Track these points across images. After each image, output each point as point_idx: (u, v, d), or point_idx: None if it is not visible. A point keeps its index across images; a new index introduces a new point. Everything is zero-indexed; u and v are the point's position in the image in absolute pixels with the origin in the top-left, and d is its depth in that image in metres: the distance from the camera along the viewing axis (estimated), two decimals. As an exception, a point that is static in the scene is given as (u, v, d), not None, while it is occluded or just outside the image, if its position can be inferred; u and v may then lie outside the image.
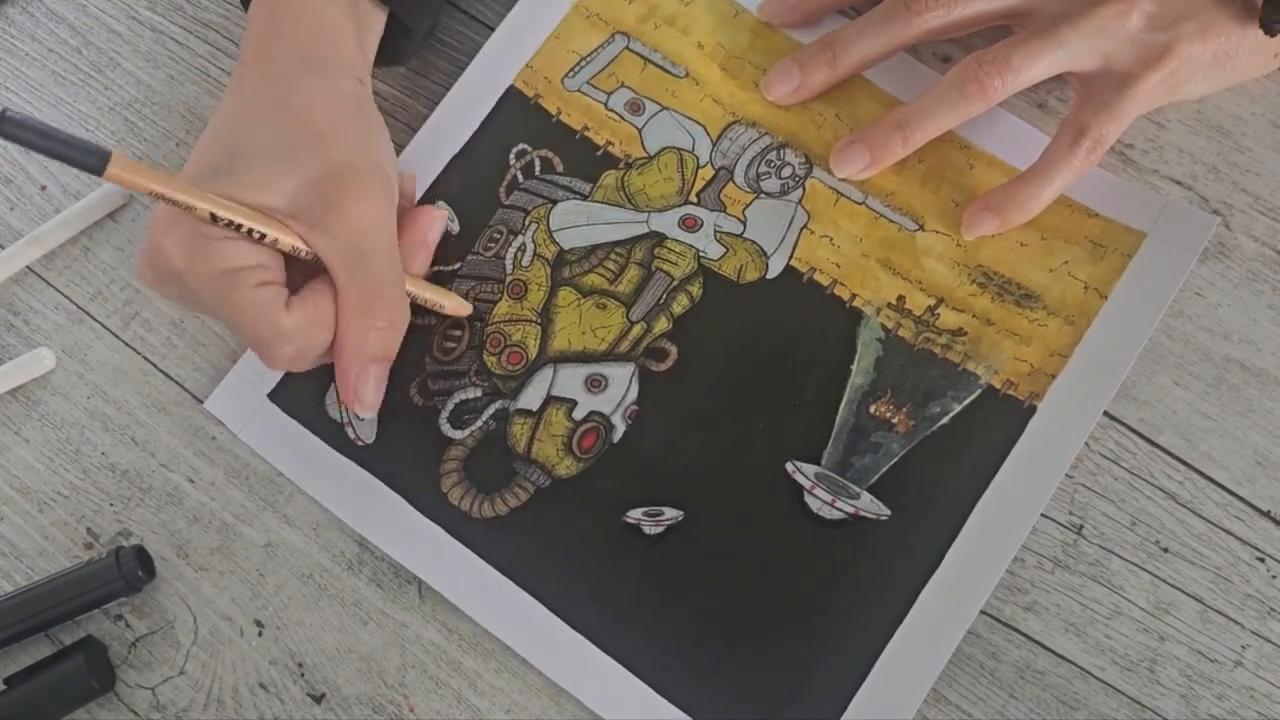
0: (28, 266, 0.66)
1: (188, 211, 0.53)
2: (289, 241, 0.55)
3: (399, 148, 0.65)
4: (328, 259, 0.55)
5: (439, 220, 0.61)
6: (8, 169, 0.68)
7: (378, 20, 0.62)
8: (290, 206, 0.55)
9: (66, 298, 0.65)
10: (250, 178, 0.54)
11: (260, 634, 0.59)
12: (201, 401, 0.63)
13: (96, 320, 0.65)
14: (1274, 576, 0.55)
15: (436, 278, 0.62)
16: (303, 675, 0.59)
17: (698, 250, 0.62)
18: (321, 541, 0.60)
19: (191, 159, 0.57)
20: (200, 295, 0.55)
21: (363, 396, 0.58)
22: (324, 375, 0.61)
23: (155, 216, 0.55)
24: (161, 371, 0.64)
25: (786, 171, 0.62)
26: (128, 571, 0.59)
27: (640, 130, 0.64)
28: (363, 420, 0.61)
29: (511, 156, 0.64)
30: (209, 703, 0.59)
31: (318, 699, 0.58)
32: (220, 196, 0.53)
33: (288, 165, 0.55)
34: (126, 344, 0.64)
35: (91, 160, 0.50)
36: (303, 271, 0.57)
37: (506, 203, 0.63)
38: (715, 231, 0.62)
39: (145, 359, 0.64)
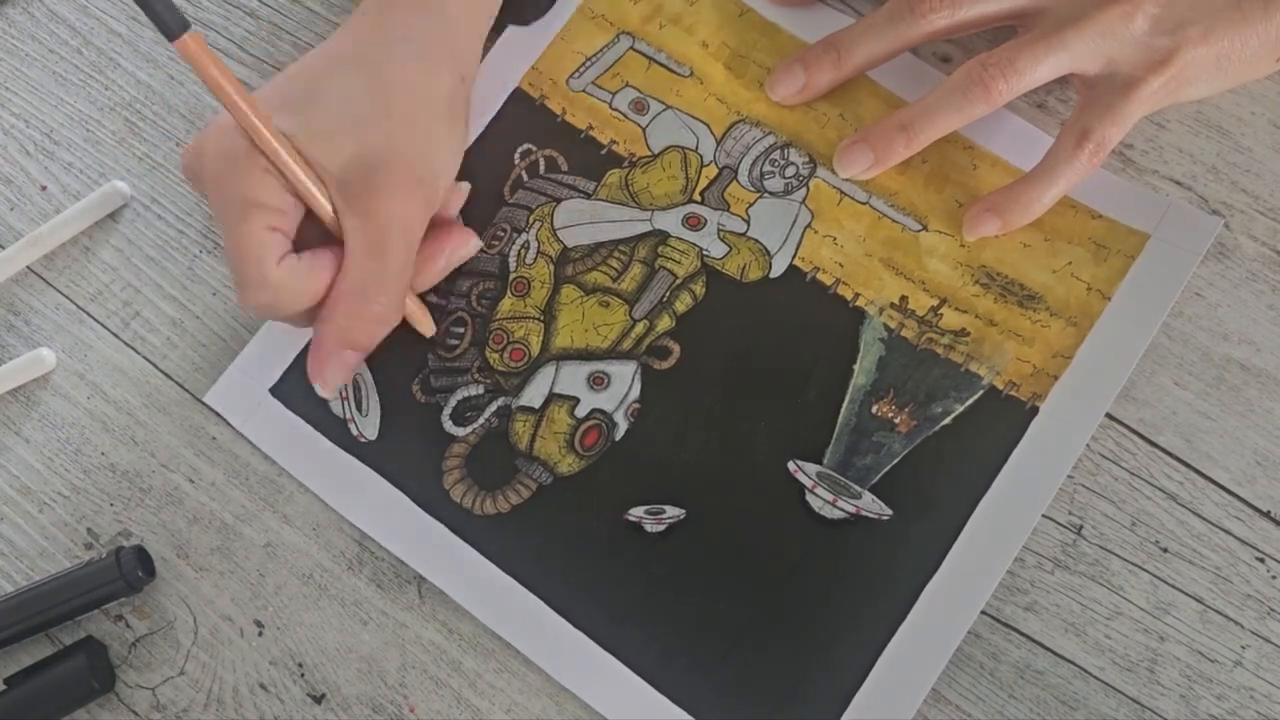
0: (28, 266, 0.68)
1: (236, 126, 0.55)
2: (318, 207, 0.57)
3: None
4: (348, 239, 0.57)
5: (468, 245, 0.63)
6: (8, 169, 0.70)
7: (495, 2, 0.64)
8: (339, 173, 0.57)
9: (66, 298, 0.67)
10: (318, 127, 0.57)
11: (260, 634, 0.61)
12: (202, 402, 0.64)
13: (96, 320, 0.67)
14: (1274, 576, 0.57)
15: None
16: (303, 675, 0.60)
17: (701, 249, 0.63)
18: (322, 541, 0.62)
19: (270, 84, 0.59)
20: (214, 208, 0.57)
21: (326, 376, 0.59)
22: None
23: (216, 120, 0.57)
24: (161, 371, 0.65)
25: (790, 171, 0.64)
26: (128, 571, 0.60)
27: (644, 129, 0.66)
28: (367, 416, 0.63)
29: (516, 156, 0.66)
30: (209, 703, 0.60)
31: (318, 699, 0.60)
32: (281, 133, 0.56)
33: (352, 132, 0.57)
34: (126, 344, 0.66)
35: (172, 25, 0.51)
36: (316, 233, 0.59)
37: (511, 201, 0.65)
38: (719, 230, 0.64)
39: (145, 359, 0.66)
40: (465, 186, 0.64)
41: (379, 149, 0.57)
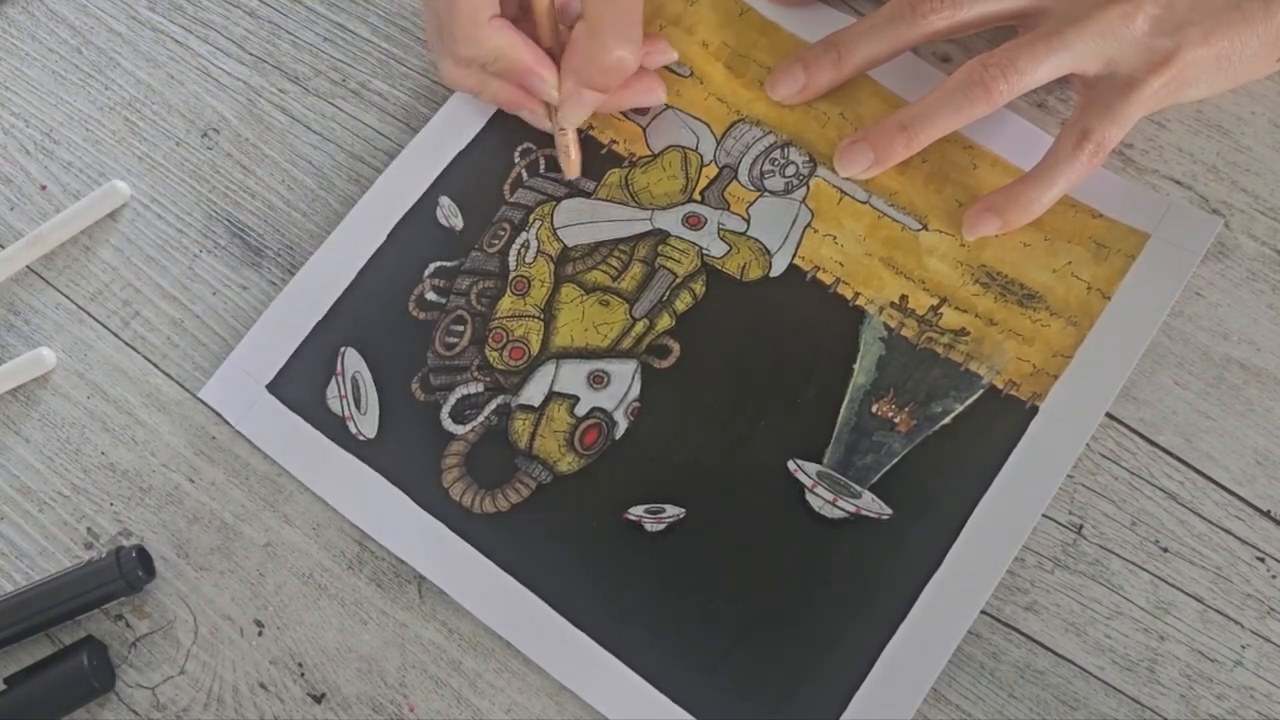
0: (28, 266, 0.68)
1: None
2: None
3: (400, 147, 0.68)
4: None
5: (656, 92, 0.66)
6: (8, 169, 0.70)
7: None
8: None
9: (66, 298, 0.68)
10: None
11: (260, 634, 0.61)
12: (202, 401, 0.65)
13: (96, 320, 0.67)
14: (1274, 576, 0.57)
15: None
16: (303, 675, 0.61)
17: (701, 248, 0.64)
18: (321, 541, 0.62)
19: None
20: None
21: (566, 111, 0.64)
22: (325, 367, 0.64)
23: None
24: (162, 371, 0.66)
25: (790, 170, 0.65)
26: (128, 571, 0.61)
27: (644, 129, 0.67)
28: (365, 414, 0.63)
29: (516, 155, 0.67)
30: (209, 702, 0.61)
31: (318, 699, 0.60)
32: None
33: None
34: (126, 344, 0.67)
35: None
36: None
37: (511, 200, 0.66)
38: (719, 229, 0.64)
39: (145, 359, 0.66)
40: (672, 53, 0.67)
41: None
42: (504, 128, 0.67)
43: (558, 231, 0.65)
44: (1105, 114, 0.60)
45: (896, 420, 0.60)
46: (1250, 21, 0.60)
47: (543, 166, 0.67)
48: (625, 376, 0.63)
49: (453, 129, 0.68)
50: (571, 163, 0.66)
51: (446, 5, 0.61)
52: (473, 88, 0.65)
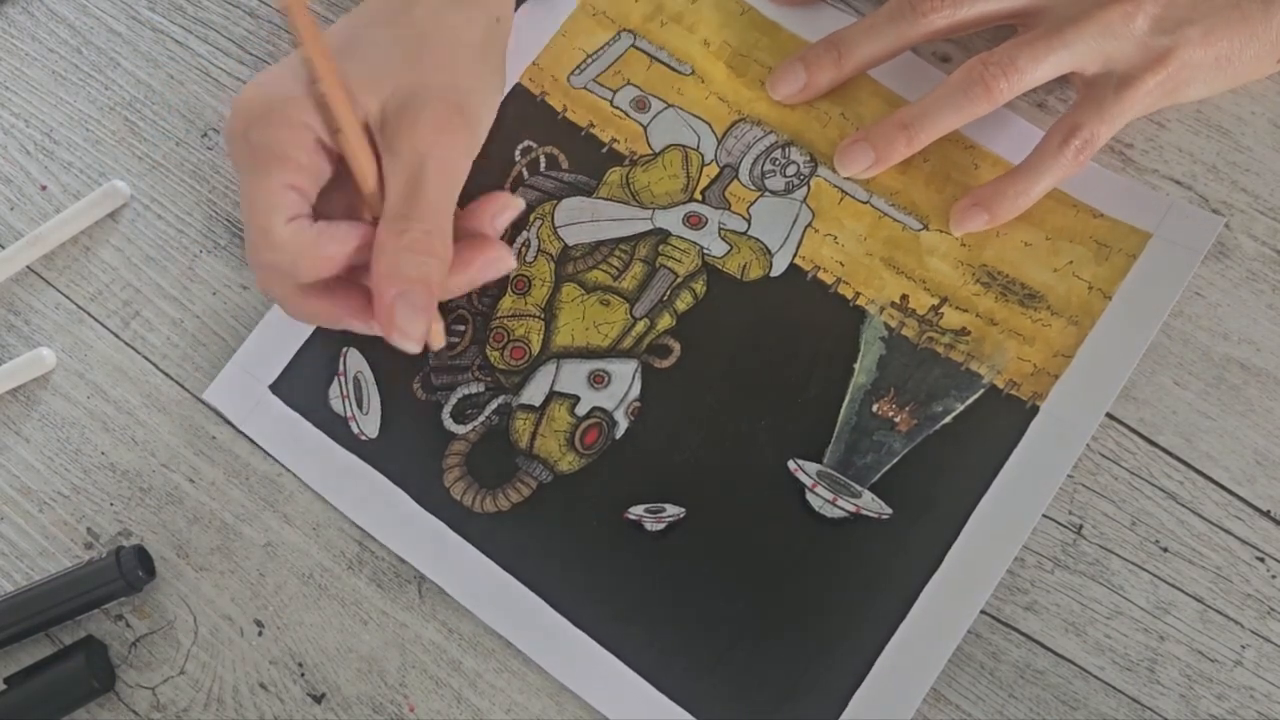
0: (28, 266, 0.69)
1: (295, 71, 0.55)
2: (357, 159, 0.56)
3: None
4: (388, 179, 0.56)
5: (504, 260, 0.59)
6: (8, 169, 0.71)
7: None
8: (377, 115, 0.56)
9: (66, 298, 0.68)
10: (355, 76, 0.56)
11: (260, 634, 0.62)
12: (202, 401, 0.65)
13: (96, 320, 0.67)
14: (1274, 576, 0.57)
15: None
16: (303, 675, 0.61)
17: (702, 247, 0.64)
18: (321, 541, 0.63)
19: None
20: (235, 159, 0.57)
21: (401, 323, 0.56)
22: (327, 368, 0.64)
23: (255, 78, 0.57)
24: (161, 371, 0.66)
25: (791, 169, 0.65)
26: (128, 571, 0.61)
27: (645, 127, 0.67)
28: (367, 414, 0.63)
29: (517, 153, 0.67)
30: (209, 702, 0.61)
31: (318, 699, 0.61)
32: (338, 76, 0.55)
33: (388, 74, 0.57)
34: (126, 344, 0.67)
35: None
36: (342, 211, 0.58)
37: (512, 199, 0.67)
38: (719, 229, 0.65)
39: (145, 359, 0.66)
40: (519, 203, 0.60)
41: (414, 86, 0.57)
42: (505, 127, 0.67)
43: (558, 230, 0.66)
44: (1096, 111, 0.60)
45: (897, 420, 0.61)
46: (1250, 22, 0.60)
47: (543, 165, 0.67)
48: (626, 376, 0.63)
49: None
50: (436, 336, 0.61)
51: (243, 207, 0.56)
52: (297, 313, 0.59)
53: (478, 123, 0.60)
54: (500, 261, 0.59)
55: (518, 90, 0.68)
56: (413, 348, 0.57)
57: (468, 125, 0.58)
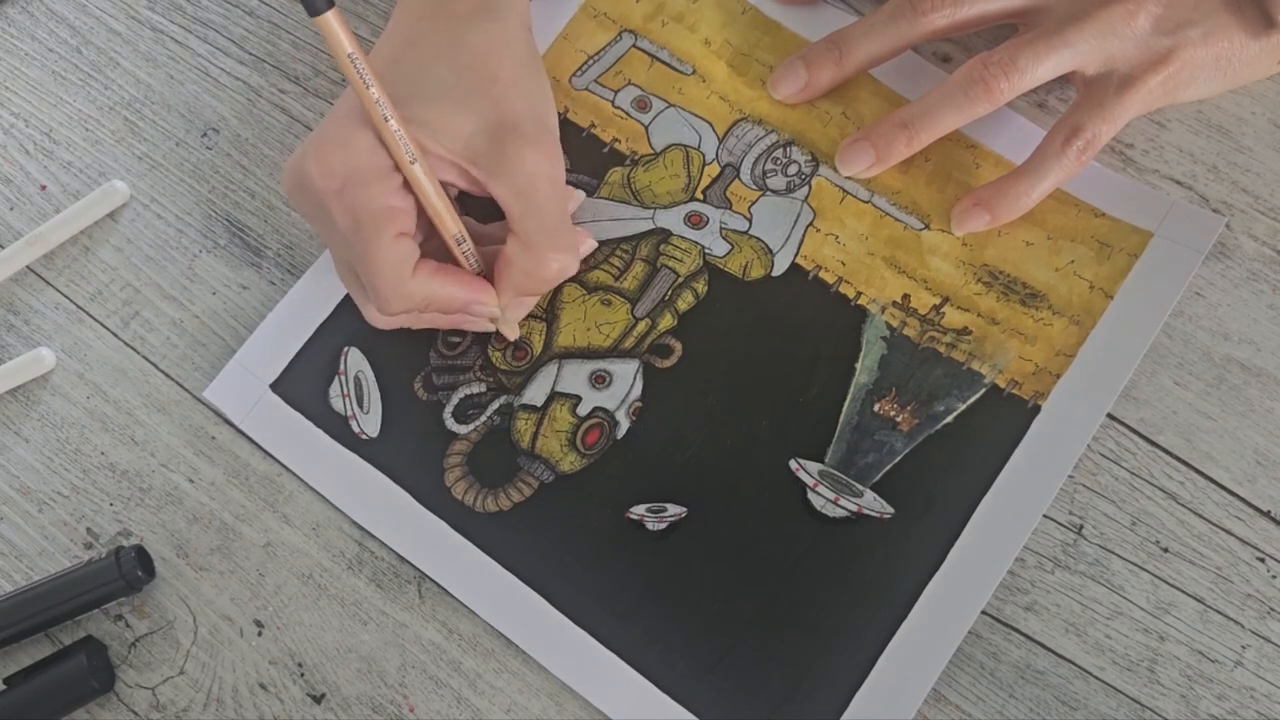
0: (28, 266, 0.69)
1: (363, 119, 0.56)
2: (418, 176, 0.58)
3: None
4: (505, 203, 0.58)
5: (587, 241, 0.65)
6: (8, 169, 0.71)
7: None
8: (466, 151, 0.58)
9: (66, 298, 0.68)
10: (429, 118, 0.58)
11: (260, 634, 0.62)
12: (202, 401, 0.65)
13: (96, 320, 0.68)
14: (1274, 576, 0.58)
15: None
16: (303, 675, 0.61)
17: (703, 247, 0.65)
18: (321, 541, 0.63)
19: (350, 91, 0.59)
20: (337, 225, 0.58)
21: (509, 320, 0.62)
22: (328, 367, 0.64)
23: (323, 132, 0.58)
24: (161, 371, 0.66)
25: (792, 169, 0.66)
26: (128, 571, 0.61)
27: (647, 127, 0.67)
28: (368, 414, 0.64)
29: (518, 152, 0.68)
30: (209, 703, 0.61)
31: (318, 699, 0.61)
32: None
33: (466, 109, 0.58)
34: (126, 344, 0.67)
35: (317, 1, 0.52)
36: (426, 235, 0.60)
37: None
38: (721, 228, 0.65)
39: (145, 359, 0.67)
40: (579, 195, 0.66)
41: (497, 114, 0.58)
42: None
43: (559, 231, 0.66)
44: (1098, 111, 0.60)
45: (898, 419, 0.61)
46: (1250, 23, 0.60)
47: (544, 165, 0.67)
48: (627, 376, 0.63)
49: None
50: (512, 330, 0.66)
51: (367, 269, 0.58)
52: (407, 324, 0.64)
53: (556, 128, 0.61)
54: (584, 242, 0.65)
55: (520, 91, 0.69)
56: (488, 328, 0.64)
57: (552, 135, 0.60)
